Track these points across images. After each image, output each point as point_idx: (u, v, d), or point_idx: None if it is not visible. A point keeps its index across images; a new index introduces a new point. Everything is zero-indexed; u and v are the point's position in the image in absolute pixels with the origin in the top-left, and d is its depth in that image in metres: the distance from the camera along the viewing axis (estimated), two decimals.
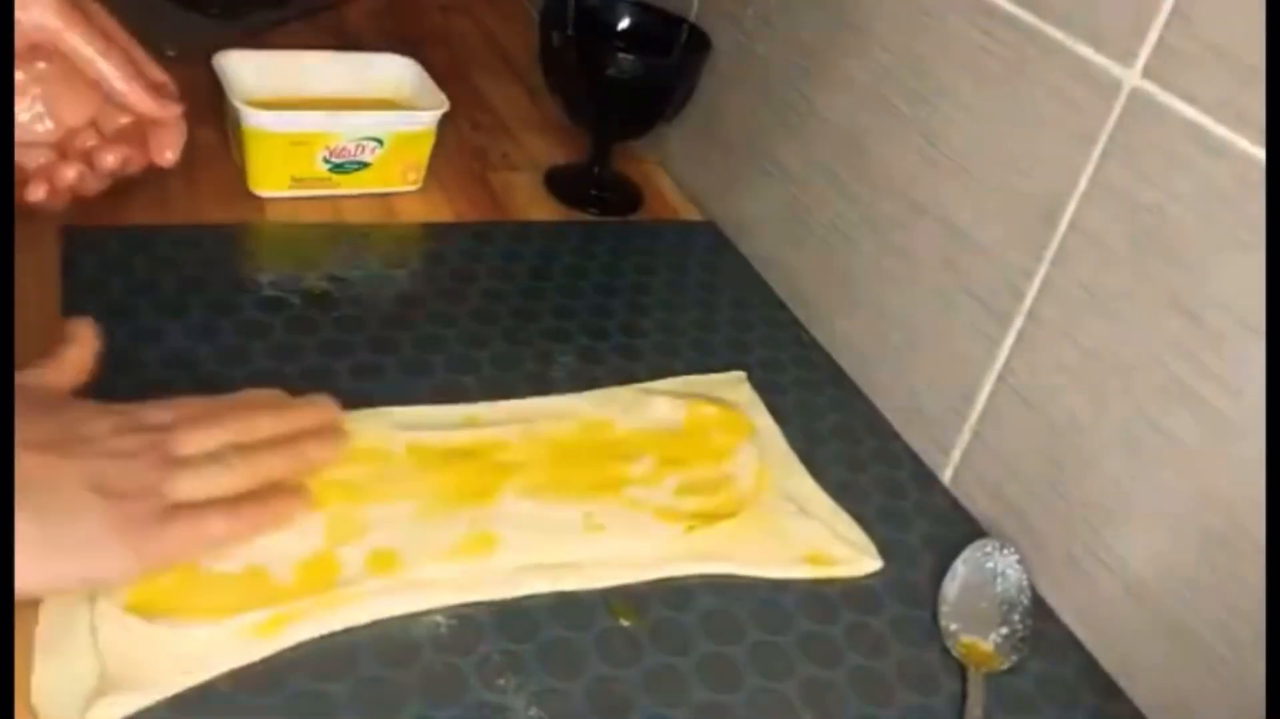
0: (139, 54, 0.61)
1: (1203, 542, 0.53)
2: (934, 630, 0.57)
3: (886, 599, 0.59)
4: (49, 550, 0.44)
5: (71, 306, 0.63)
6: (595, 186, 0.89)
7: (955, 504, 0.66)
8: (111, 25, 0.60)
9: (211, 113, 0.81)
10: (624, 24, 0.89)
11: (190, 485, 0.48)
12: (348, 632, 0.50)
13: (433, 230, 0.81)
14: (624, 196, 0.90)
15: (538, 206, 0.87)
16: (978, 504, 0.65)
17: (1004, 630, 0.57)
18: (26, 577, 0.43)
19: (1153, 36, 0.54)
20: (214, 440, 0.50)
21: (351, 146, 0.78)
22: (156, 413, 0.51)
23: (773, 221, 0.83)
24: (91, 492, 0.45)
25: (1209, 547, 0.53)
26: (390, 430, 0.59)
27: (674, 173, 0.95)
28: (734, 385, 0.70)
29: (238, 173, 0.78)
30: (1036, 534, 0.62)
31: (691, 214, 0.91)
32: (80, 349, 0.52)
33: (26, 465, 0.44)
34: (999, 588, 0.59)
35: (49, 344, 0.52)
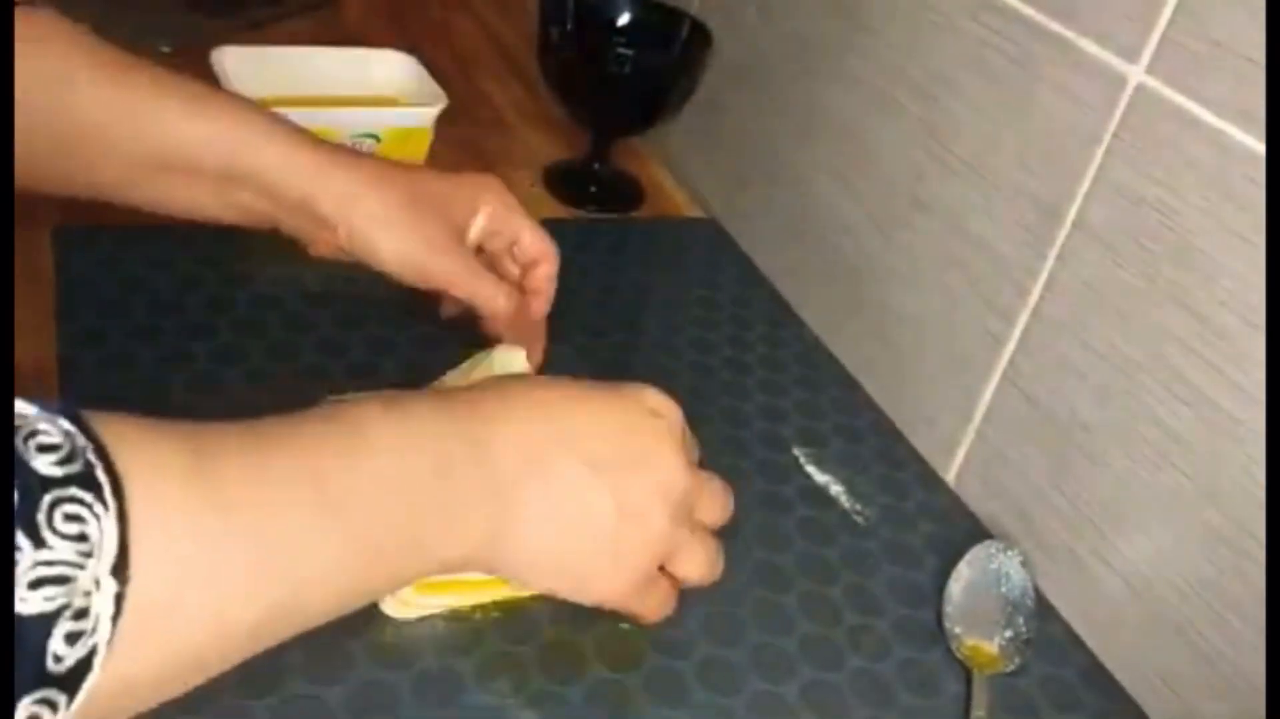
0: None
1: (1207, 541, 0.53)
2: (937, 633, 0.57)
3: (889, 601, 0.58)
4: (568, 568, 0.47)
5: (65, 305, 0.63)
6: (595, 184, 0.88)
7: (959, 504, 0.66)
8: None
9: None
10: (624, 19, 0.88)
11: (687, 562, 0.49)
12: (343, 633, 0.49)
13: None
14: (624, 194, 0.90)
15: (537, 204, 0.86)
16: (982, 504, 0.65)
17: (1008, 633, 0.57)
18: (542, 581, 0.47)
19: (1157, 33, 0.54)
20: (713, 517, 0.51)
21: (348, 143, 0.78)
22: (695, 479, 0.49)
23: (775, 219, 0.82)
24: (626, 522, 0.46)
25: (1214, 546, 0.52)
26: None
27: (675, 170, 0.95)
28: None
29: None
30: (1041, 535, 0.61)
31: (693, 211, 0.90)
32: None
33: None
34: (1003, 589, 0.58)
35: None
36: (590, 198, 0.87)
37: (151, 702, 0.35)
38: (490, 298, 0.61)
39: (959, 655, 0.56)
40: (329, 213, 0.58)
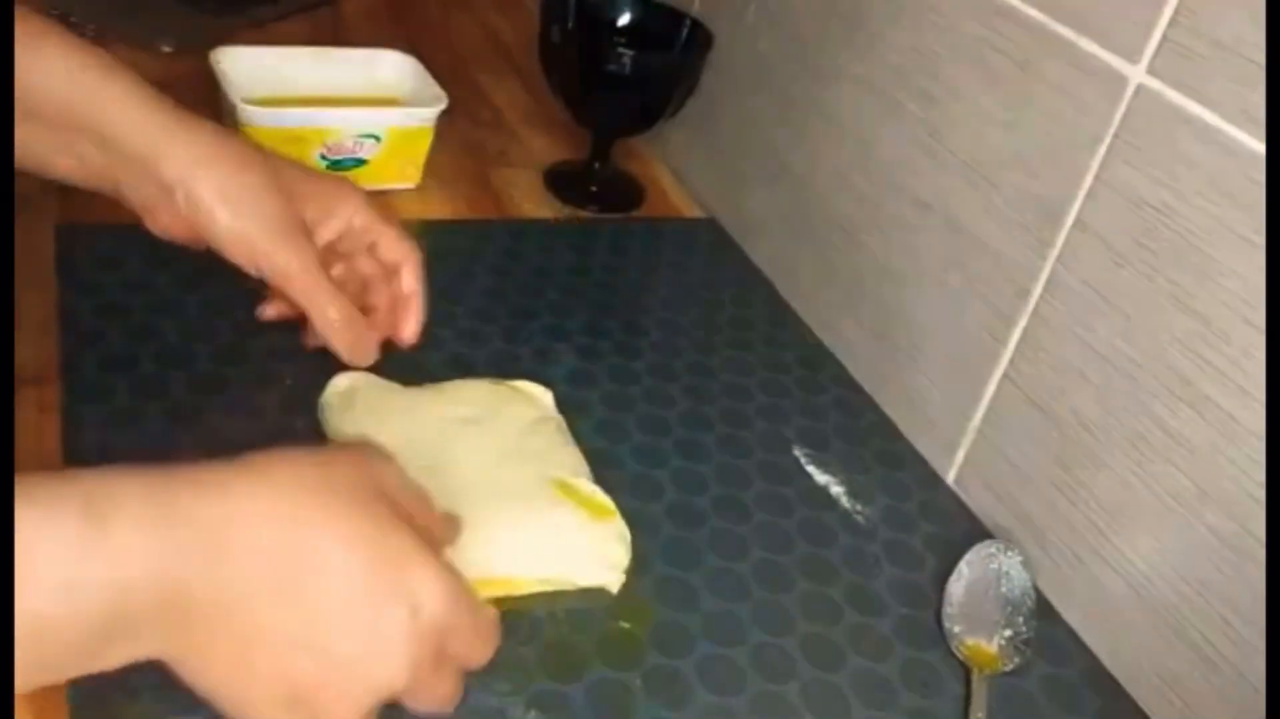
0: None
1: (1208, 542, 0.53)
2: (937, 632, 0.57)
3: (890, 601, 0.58)
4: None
5: (66, 305, 0.63)
6: (596, 184, 0.88)
7: (960, 505, 0.66)
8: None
9: (208, 109, 0.81)
10: (625, 19, 0.88)
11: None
12: None
13: (431, 228, 0.80)
14: (625, 194, 0.90)
15: (537, 204, 0.86)
16: (982, 505, 0.65)
17: (1008, 632, 0.57)
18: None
19: (1158, 33, 0.54)
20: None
21: (349, 143, 0.78)
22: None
23: (776, 219, 0.82)
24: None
25: (1214, 546, 0.52)
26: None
27: (675, 170, 0.95)
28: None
29: None
30: (1041, 535, 0.61)
31: (693, 211, 0.90)
32: None
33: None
34: (1003, 589, 0.58)
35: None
36: (590, 198, 0.87)
37: None
38: (322, 306, 0.56)
39: (959, 655, 0.56)
40: (171, 177, 0.53)
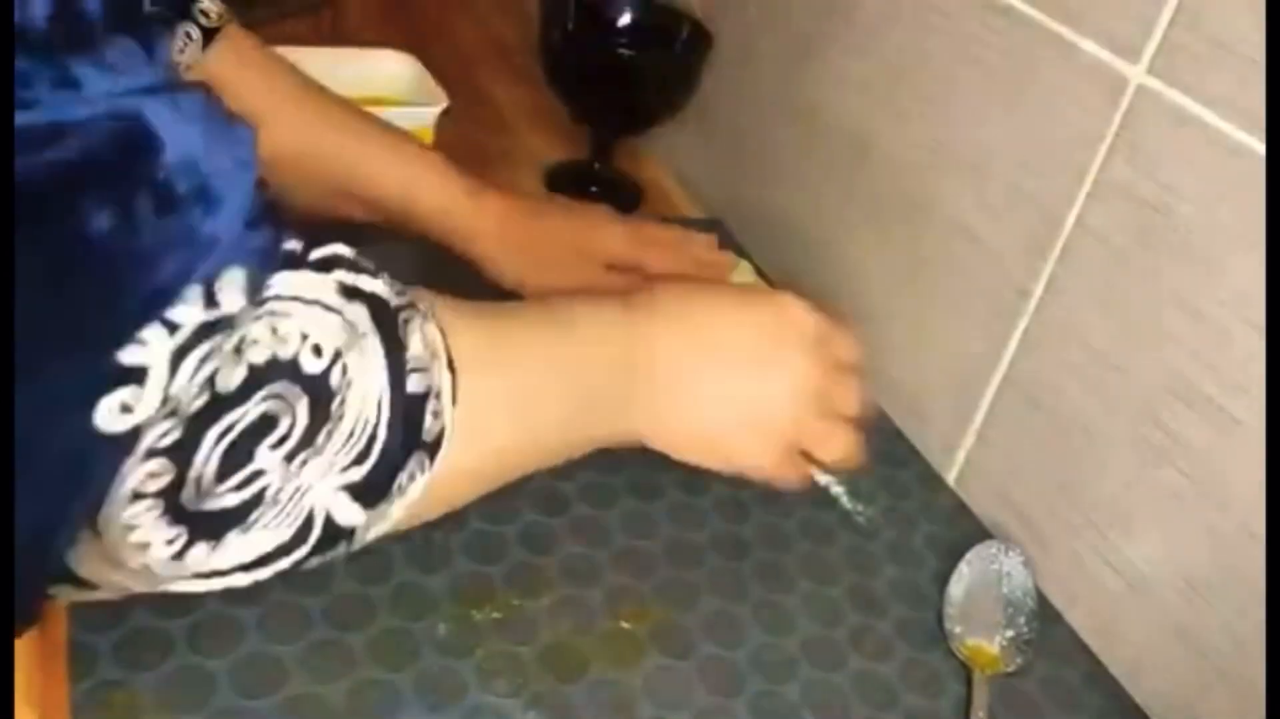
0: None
1: (1209, 542, 0.53)
2: (938, 633, 0.57)
3: (890, 601, 0.58)
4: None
5: None
6: (596, 184, 0.88)
7: (961, 505, 0.66)
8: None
9: None
10: (625, 19, 0.88)
11: (822, 448, 0.57)
12: (344, 631, 0.49)
13: None
14: (625, 194, 0.90)
15: None
16: (983, 505, 0.65)
17: (1009, 633, 0.57)
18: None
19: (1159, 34, 0.53)
20: (848, 409, 0.59)
21: None
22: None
23: (775, 219, 0.82)
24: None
25: (1215, 547, 0.52)
26: None
27: (676, 170, 0.95)
28: None
29: None
30: (1042, 535, 0.61)
31: (693, 211, 0.90)
32: None
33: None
34: (1004, 590, 0.58)
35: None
36: (590, 198, 0.87)
37: (455, 500, 0.47)
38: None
39: (960, 656, 0.56)
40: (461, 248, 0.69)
